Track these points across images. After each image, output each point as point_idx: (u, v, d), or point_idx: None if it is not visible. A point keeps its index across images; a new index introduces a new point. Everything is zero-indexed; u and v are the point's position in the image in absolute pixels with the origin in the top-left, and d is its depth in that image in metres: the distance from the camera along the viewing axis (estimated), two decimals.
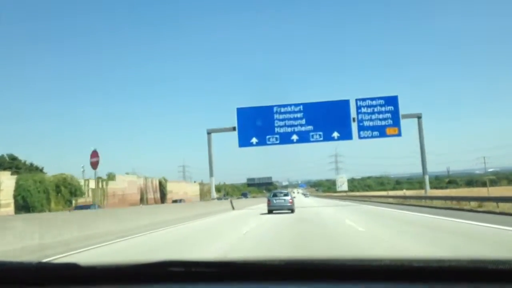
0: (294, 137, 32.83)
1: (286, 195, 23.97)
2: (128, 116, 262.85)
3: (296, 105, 33.08)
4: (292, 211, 22.48)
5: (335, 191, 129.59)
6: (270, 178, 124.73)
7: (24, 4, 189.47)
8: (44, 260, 6.07)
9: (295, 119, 32.75)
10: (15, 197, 35.96)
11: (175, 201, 50.41)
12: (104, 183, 50.38)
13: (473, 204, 20.08)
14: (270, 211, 22.74)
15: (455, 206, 21.26)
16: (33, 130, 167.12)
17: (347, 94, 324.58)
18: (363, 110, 32.26)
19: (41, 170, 51.41)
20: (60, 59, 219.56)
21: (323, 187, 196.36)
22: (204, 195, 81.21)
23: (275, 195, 24.14)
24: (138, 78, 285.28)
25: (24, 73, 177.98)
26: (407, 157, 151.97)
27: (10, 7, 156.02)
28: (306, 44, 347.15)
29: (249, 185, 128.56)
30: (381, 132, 32.02)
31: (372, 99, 32.56)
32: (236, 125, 33.52)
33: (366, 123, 32.14)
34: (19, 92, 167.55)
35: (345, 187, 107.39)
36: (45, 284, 1.52)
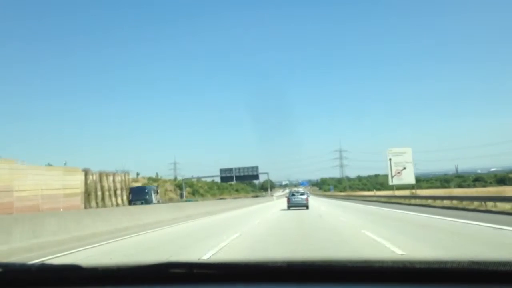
0: None
1: (302, 194, 29.48)
2: (118, 115, 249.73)
3: None
4: (307, 207, 26.95)
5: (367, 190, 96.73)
6: (256, 168, 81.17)
7: (24, 1, 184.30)
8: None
9: None
10: None
11: None
12: None
13: None
14: (289, 207, 27.02)
15: None
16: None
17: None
18: None
19: None
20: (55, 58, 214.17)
21: (328, 186, 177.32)
22: (99, 193, 41.57)
23: (293, 195, 29.12)
24: (135, 78, 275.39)
25: (22, 71, 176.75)
26: (418, 151, 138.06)
27: (9, 5, 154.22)
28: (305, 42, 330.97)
29: (223, 179, 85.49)
30: None
31: None
32: None
33: None
34: (17, 90, 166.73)
35: (409, 176, 50.03)
36: (46, 285, 1.51)
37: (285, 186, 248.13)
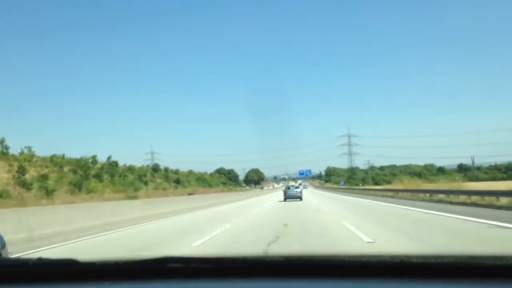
0: None
1: (297, 188, 34.70)
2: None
3: None
4: (301, 199, 31.02)
5: None
6: None
7: None
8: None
9: None
10: None
11: None
12: None
13: None
14: (285, 199, 31.28)
15: None
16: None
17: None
18: None
19: None
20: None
21: (341, 177, 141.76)
22: None
23: (289, 188, 33.83)
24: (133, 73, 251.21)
25: (22, 68, 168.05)
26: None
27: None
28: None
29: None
30: None
31: None
32: None
33: None
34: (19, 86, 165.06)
35: None
36: (43, 280, 1.50)
37: (283, 179, 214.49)
